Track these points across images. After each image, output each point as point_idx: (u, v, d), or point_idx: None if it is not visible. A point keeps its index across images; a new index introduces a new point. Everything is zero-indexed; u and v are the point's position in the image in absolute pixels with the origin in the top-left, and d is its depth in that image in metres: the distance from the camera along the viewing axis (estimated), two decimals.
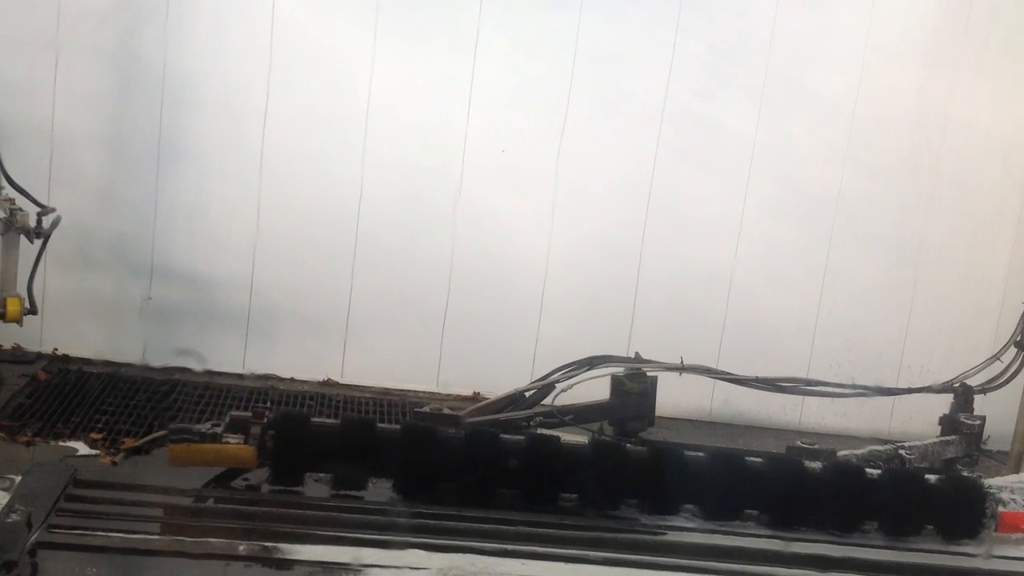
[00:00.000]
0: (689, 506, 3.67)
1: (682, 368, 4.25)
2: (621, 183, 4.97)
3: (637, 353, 4.28)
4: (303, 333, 4.82)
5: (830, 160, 5.06)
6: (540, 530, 3.34)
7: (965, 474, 4.37)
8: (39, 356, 4.60)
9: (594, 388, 4.16)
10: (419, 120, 4.77)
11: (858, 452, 4.30)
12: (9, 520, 2.84)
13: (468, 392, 4.84)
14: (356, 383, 4.85)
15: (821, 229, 5.12)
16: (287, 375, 4.81)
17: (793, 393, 4.50)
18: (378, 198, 4.78)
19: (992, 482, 4.35)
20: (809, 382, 4.48)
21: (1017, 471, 4.70)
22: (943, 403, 4.71)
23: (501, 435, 3.60)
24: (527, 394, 4.13)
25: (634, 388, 4.19)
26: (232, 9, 4.58)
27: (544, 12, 4.76)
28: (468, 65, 4.73)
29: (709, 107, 4.94)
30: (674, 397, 4.56)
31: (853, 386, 4.59)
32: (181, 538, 3.00)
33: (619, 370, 4.21)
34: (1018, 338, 4.77)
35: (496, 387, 4.38)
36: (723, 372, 4.40)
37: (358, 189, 4.76)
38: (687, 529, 3.54)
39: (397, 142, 4.76)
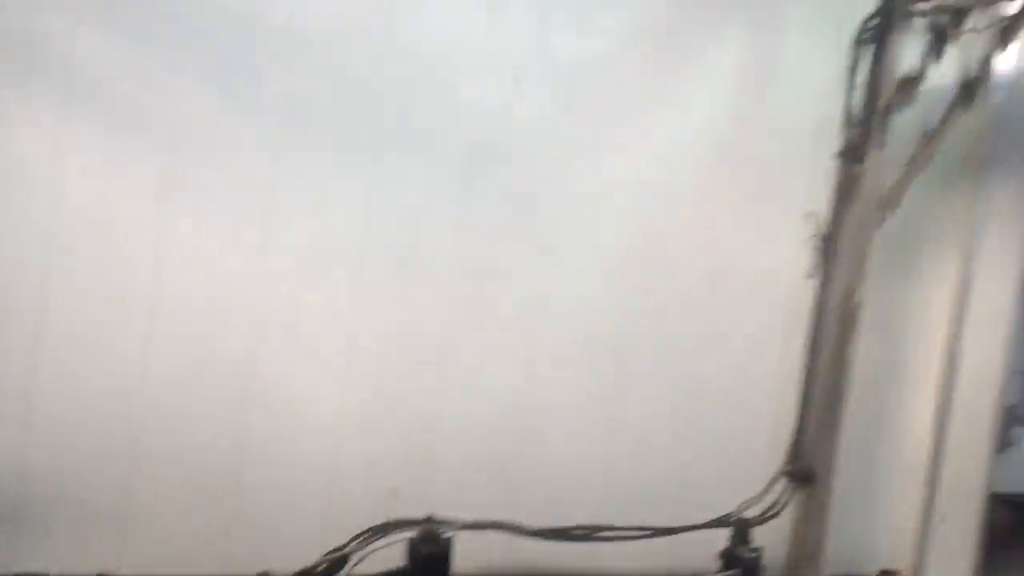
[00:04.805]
0: None
1: (476, 526, 4.29)
2: (415, 339, 5.01)
3: (431, 515, 4.29)
4: (79, 523, 4.54)
5: (614, 305, 5.30)
6: None
7: None
8: None
9: (391, 555, 4.13)
10: (208, 289, 4.69)
11: None
12: None
13: (258, 571, 4.65)
14: (139, 572, 4.58)
15: (608, 374, 5.31)
16: (58, 571, 4.48)
17: (584, 541, 4.61)
18: (163, 375, 4.62)
19: None
20: (599, 528, 4.62)
21: None
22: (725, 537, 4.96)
23: None
24: (319, 568, 4.05)
25: (430, 550, 4.19)
26: (7, 174, 4.41)
27: (337, 175, 4.83)
28: (261, 227, 4.73)
29: (499, 259, 5.10)
30: (472, 553, 4.56)
31: (640, 528, 4.75)
32: None
33: (413, 533, 4.21)
34: (787, 469, 5.14)
35: (289, 564, 4.26)
36: (517, 526, 4.46)
37: (142, 367, 4.58)
38: None
39: (184, 314, 4.65)
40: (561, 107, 5.14)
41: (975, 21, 4.96)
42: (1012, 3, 5.02)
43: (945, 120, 5.11)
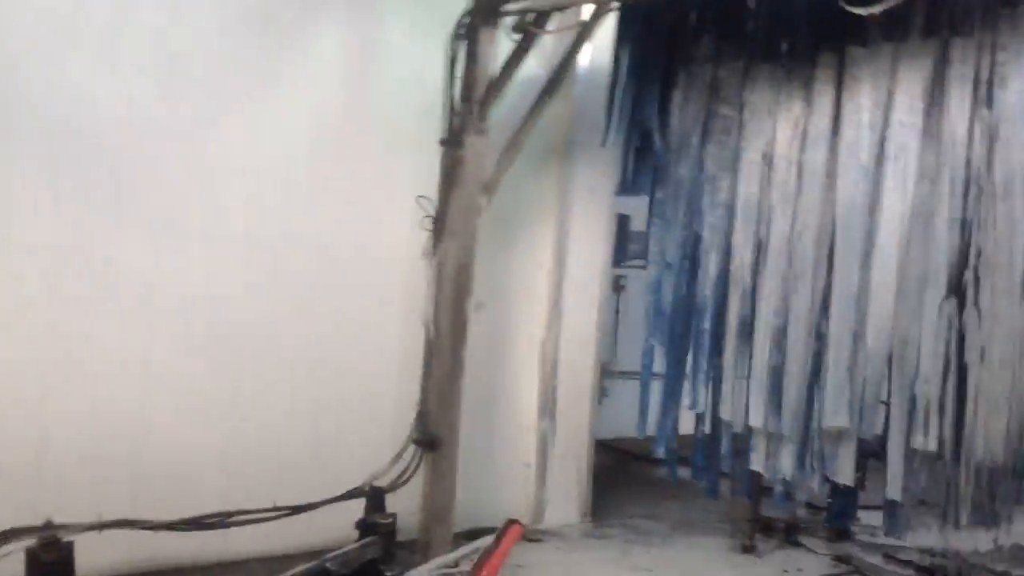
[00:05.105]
0: None
1: (101, 526, 4.18)
2: (14, 330, 4.73)
3: (49, 520, 4.12)
4: None
5: (232, 292, 5.32)
6: None
7: (388, 574, 4.84)
8: None
9: (8, 567, 3.92)
10: None
11: (289, 574, 4.51)
12: None
13: None
14: None
15: (229, 360, 5.33)
16: None
17: (218, 528, 4.62)
18: None
19: (412, 574, 4.89)
20: (230, 514, 4.64)
21: (427, 558, 5.29)
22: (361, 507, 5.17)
23: None
24: None
25: (50, 557, 4.03)
26: None
27: None
28: None
29: (100, 247, 4.93)
30: (96, 556, 4.35)
31: (274, 509, 4.84)
32: None
33: (31, 541, 4.03)
34: (415, 437, 5.46)
35: None
36: (144, 521, 4.38)
37: None
38: None
39: None
40: (155, 90, 5.04)
41: (557, 22, 5.53)
42: (587, 8, 5.66)
43: (534, 109, 5.66)
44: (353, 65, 5.65)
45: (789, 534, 6.54)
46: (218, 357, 5.32)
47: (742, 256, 5.86)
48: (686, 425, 6.25)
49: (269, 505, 4.82)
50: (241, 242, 5.35)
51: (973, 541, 5.76)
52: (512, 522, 5.67)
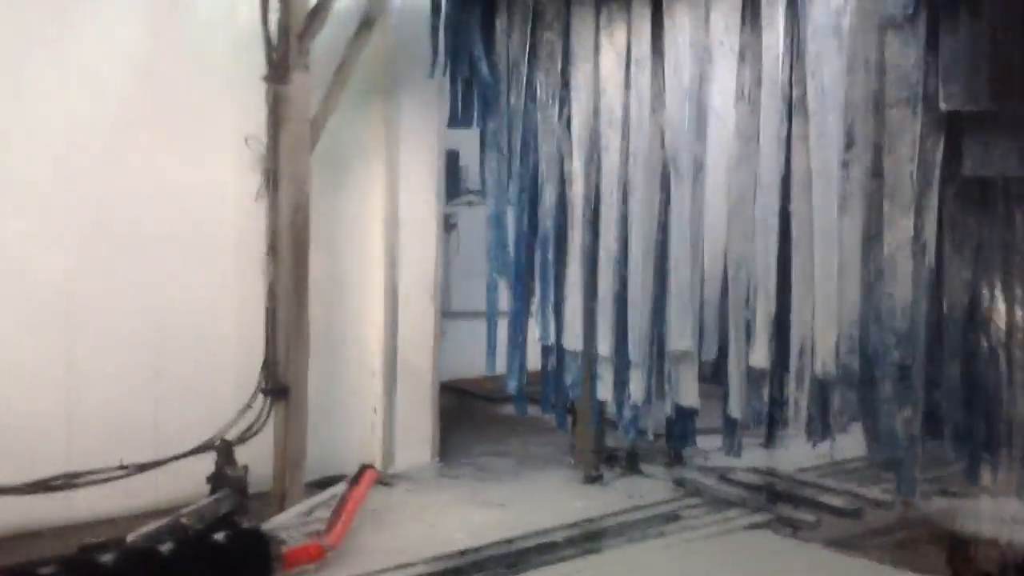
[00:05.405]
0: None
1: None
2: None
3: None
4: None
5: (56, 250, 5.05)
6: None
7: (245, 526, 4.69)
8: None
9: None
10: None
11: (144, 531, 4.36)
12: None
13: None
14: None
15: (60, 323, 5.04)
16: None
17: (64, 489, 4.40)
18: None
19: (268, 525, 4.75)
20: (77, 475, 4.46)
21: (282, 508, 5.15)
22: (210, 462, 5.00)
23: None
24: None
25: None
26: None
27: None
28: None
29: None
30: None
31: (121, 468, 4.66)
32: None
33: None
34: (263, 387, 5.30)
35: None
36: None
37: None
38: None
39: None
40: None
41: None
42: None
43: (354, 43, 5.54)
44: (157, 4, 5.37)
45: (631, 462, 6.68)
46: (47, 323, 5.03)
47: (578, 185, 5.81)
48: (534, 361, 6.24)
49: (114, 464, 4.60)
50: (56, 206, 5.06)
51: (797, 458, 6.08)
52: (366, 467, 5.65)
